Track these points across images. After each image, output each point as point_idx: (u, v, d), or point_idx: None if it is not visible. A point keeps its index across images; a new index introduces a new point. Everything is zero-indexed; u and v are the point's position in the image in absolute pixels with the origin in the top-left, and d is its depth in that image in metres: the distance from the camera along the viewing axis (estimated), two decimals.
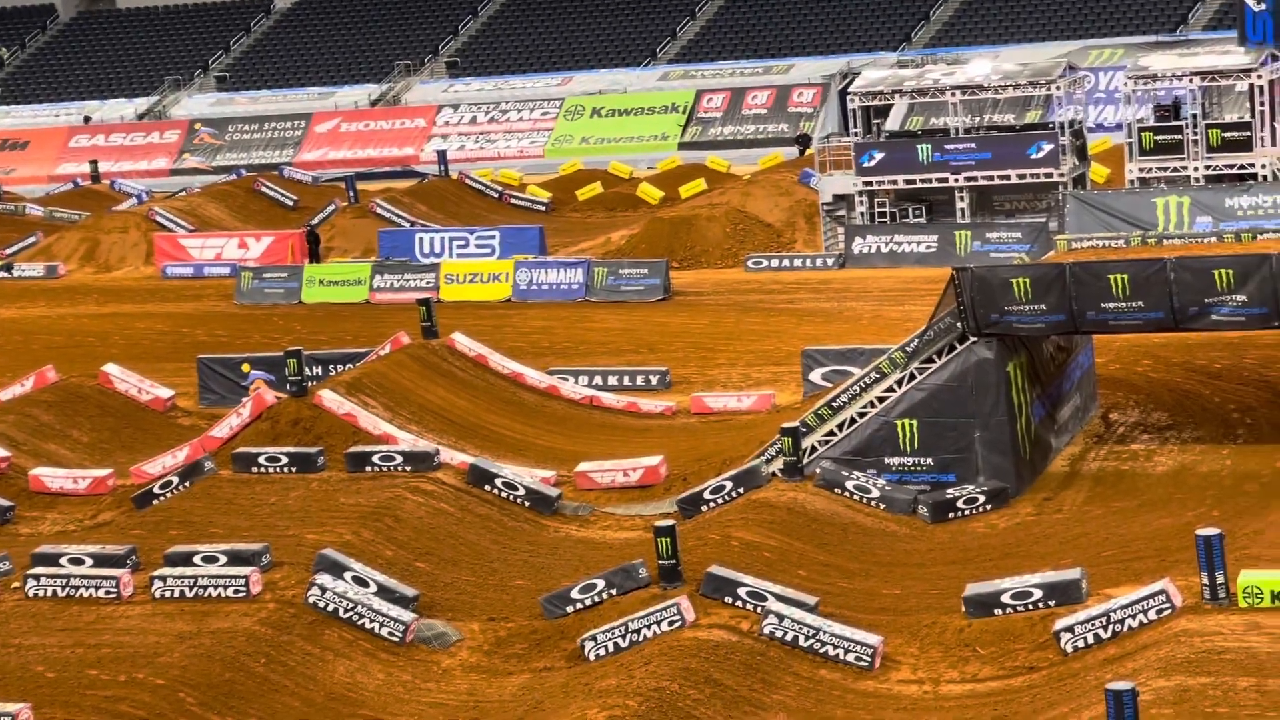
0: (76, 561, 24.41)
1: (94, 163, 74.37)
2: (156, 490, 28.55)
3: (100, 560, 24.49)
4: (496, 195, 61.72)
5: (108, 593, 23.59)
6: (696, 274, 48.21)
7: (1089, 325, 27.50)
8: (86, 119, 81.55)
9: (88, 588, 23.67)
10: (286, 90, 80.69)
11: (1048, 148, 46.33)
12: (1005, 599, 22.00)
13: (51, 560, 24.47)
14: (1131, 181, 44.64)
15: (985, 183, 47.12)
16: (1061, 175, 46.32)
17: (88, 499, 29.73)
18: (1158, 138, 44.33)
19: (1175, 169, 44.19)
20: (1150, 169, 44.32)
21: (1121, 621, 20.75)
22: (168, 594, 23.45)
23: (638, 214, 56.66)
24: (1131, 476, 28.04)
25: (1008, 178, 46.86)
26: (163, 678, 21.21)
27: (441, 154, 68.89)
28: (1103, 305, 26.88)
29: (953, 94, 47.69)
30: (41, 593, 23.71)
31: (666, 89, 74.53)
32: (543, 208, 60.81)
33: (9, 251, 57.00)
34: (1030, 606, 21.85)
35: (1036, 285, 27.01)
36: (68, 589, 23.68)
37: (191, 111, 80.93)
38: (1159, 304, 26.72)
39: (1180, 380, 31.06)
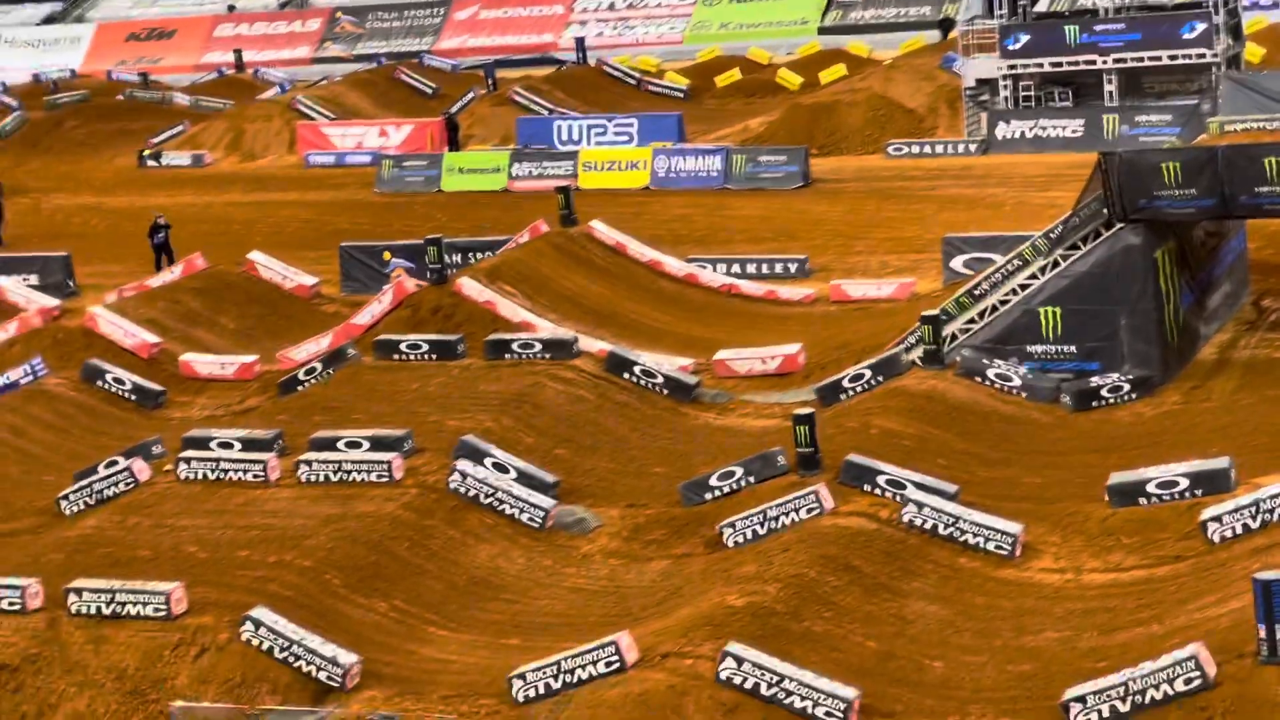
0: (225, 445, 24.86)
1: (238, 51, 74.99)
2: (301, 376, 28.95)
3: (248, 444, 24.93)
4: (634, 82, 61.44)
5: (255, 476, 24.02)
6: (836, 161, 47.77)
7: (1241, 210, 26.91)
8: (231, 7, 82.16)
9: (236, 471, 24.11)
10: None
11: (1201, 27, 45.19)
12: (1150, 488, 21.74)
13: (202, 444, 24.95)
14: None
15: (1135, 64, 46.12)
16: (1215, 55, 45.17)
17: (235, 384, 30.24)
18: None
19: None
20: None
21: (1271, 511, 20.41)
22: (313, 478, 23.83)
23: (777, 100, 56.15)
24: None
25: (1159, 59, 45.82)
26: (309, 559, 21.60)
27: (580, 40, 68.63)
28: (1256, 189, 26.27)
29: None
30: (192, 475, 24.19)
31: None
32: (681, 94, 60.44)
33: (156, 140, 57.76)
34: (1176, 496, 21.58)
35: (1187, 169, 26.45)
36: (217, 472, 24.14)
37: (332, 0, 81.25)
38: None
39: None
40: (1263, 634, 17.40)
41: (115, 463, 24.73)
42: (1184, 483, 21.69)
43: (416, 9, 78.76)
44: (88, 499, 24.11)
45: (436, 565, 22.07)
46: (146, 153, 56.17)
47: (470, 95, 58.58)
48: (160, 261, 37.72)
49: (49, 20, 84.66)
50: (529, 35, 75.34)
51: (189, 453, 24.58)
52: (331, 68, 72.27)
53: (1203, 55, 45.30)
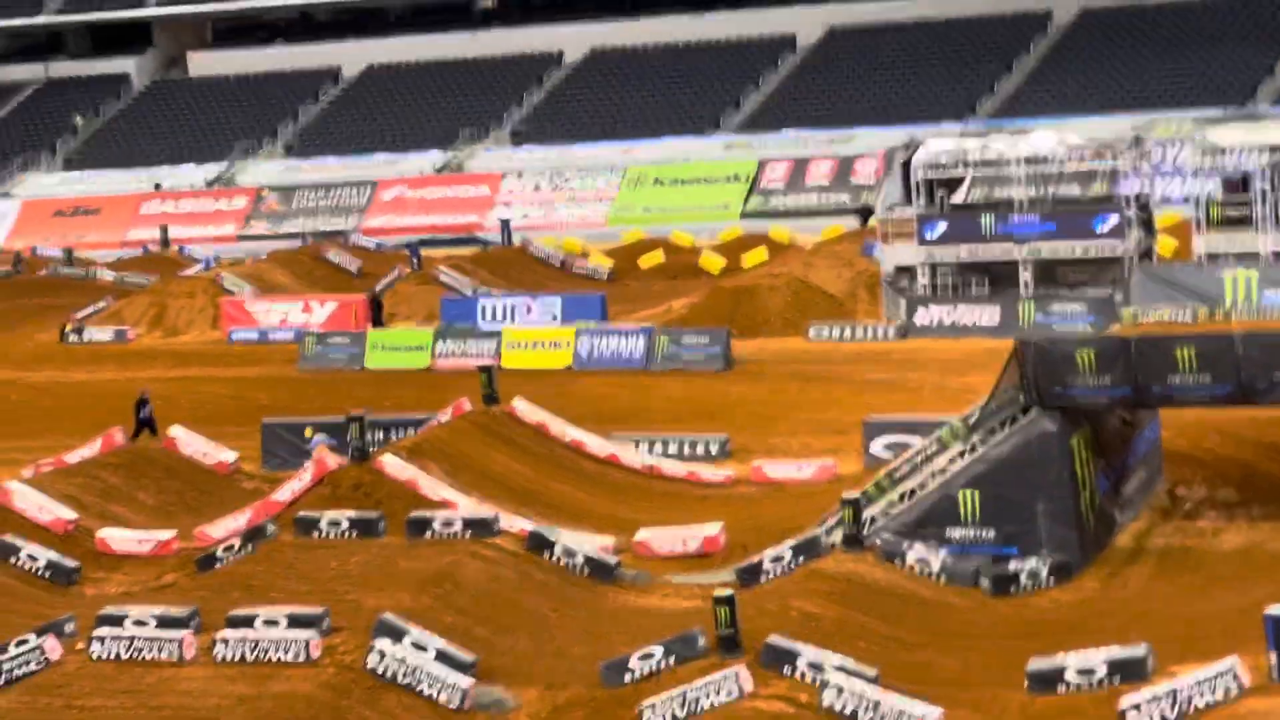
0: (140, 623, 24.53)
1: (164, 228, 75.21)
2: (219, 553, 28.69)
3: (164, 622, 24.60)
4: (559, 263, 61.99)
5: (170, 654, 23.69)
6: (758, 343, 48.20)
7: (1155, 399, 27.33)
8: (157, 186, 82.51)
9: (151, 649, 23.78)
10: (352, 157, 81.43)
11: (1113, 220, 46.20)
12: (1069, 675, 21.80)
13: (116, 621, 24.60)
14: (1199, 256, 44.42)
15: (1050, 255, 47.00)
16: (1127, 249, 46.12)
17: (153, 561, 29.90)
18: (1226, 212, 44.13)
19: (1243, 244, 43.92)
20: (1218, 244, 44.07)
21: (1189, 700, 20.51)
22: (229, 656, 23.53)
23: (699, 283, 56.77)
24: (1198, 553, 27.77)
25: (1073, 251, 46.73)
26: None
27: (505, 222, 69.30)
28: (1169, 379, 26.72)
29: (1017, 166, 47.65)
30: (106, 654, 23.83)
31: (729, 159, 74.79)
32: (605, 276, 61.02)
33: (79, 316, 57.62)
34: (1095, 683, 21.64)
35: (1101, 358, 26.89)
36: (131, 650, 23.80)
37: (259, 179, 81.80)
38: (1227, 378, 26.54)
39: (1249, 456, 30.78)
40: None
41: (26, 641, 24.32)
42: (1103, 670, 21.77)
43: (342, 188, 79.40)
44: None
45: None
46: (69, 328, 55.97)
47: (395, 274, 58.89)
48: (140, 435, 37.17)
49: None
50: (455, 215, 76.00)
51: (103, 630, 24.24)
52: (257, 245, 72.55)
53: (1115, 248, 46.24)
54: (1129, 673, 21.63)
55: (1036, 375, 26.99)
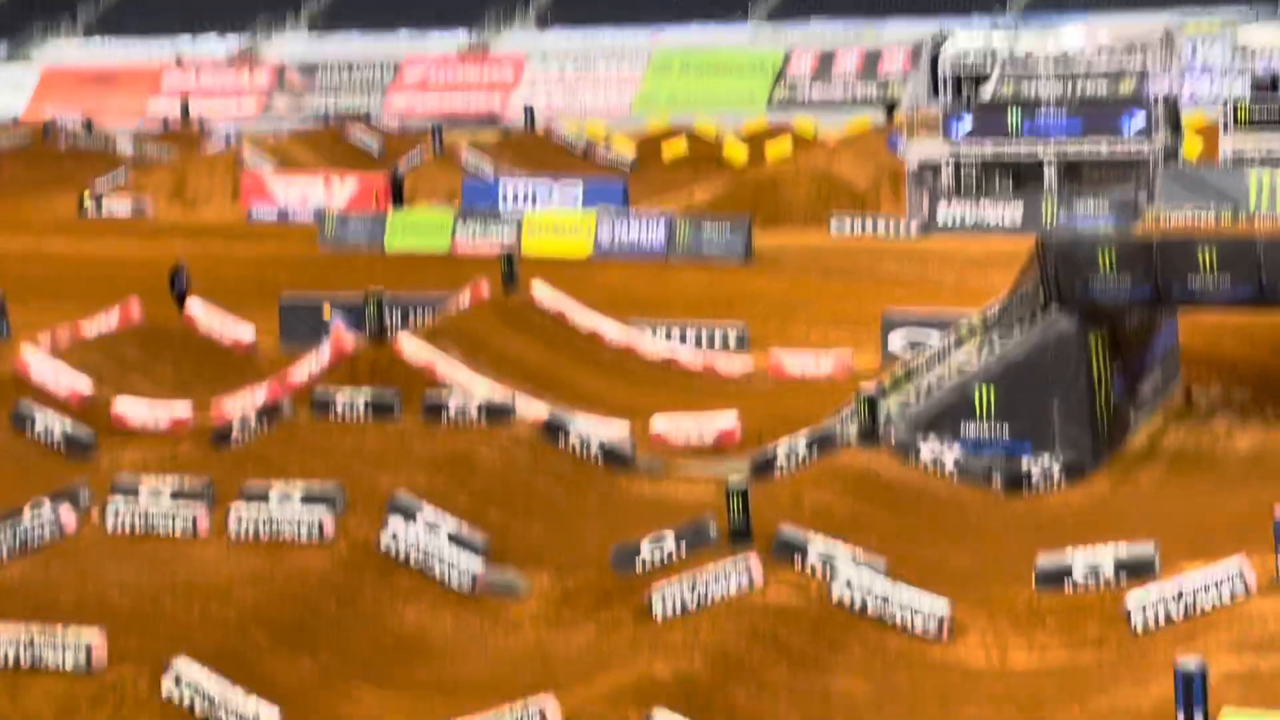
0: (155, 495, 24.67)
1: (184, 102, 74.90)
2: (235, 430, 28.81)
3: (178, 495, 24.75)
4: (581, 150, 61.70)
5: (184, 528, 23.84)
6: (779, 235, 48.06)
7: (1174, 299, 27.24)
8: (178, 60, 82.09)
9: (165, 522, 23.93)
10: (377, 34, 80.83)
11: (1141, 121, 45.82)
12: (1077, 572, 21.88)
13: (130, 493, 24.75)
14: (1225, 157, 44.10)
15: (1075, 154, 46.69)
16: (1153, 149, 45.77)
17: (168, 435, 30.05)
18: (1254, 113, 43.74)
19: (1270, 146, 43.57)
20: (1245, 145, 43.73)
21: (1194, 600, 20.59)
22: (243, 532, 23.68)
23: (722, 173, 56.50)
24: (1211, 454, 27.79)
25: (1099, 150, 46.40)
26: (235, 614, 21.43)
27: (529, 108, 68.90)
28: (1189, 280, 26.62)
29: (1045, 64, 47.21)
30: (119, 525, 23.99)
31: (756, 48, 74.19)
32: (627, 166, 60.73)
33: (98, 188, 57.55)
34: (1102, 581, 21.72)
35: (1122, 257, 26.77)
36: (145, 522, 23.95)
37: (283, 54, 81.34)
38: (1247, 279, 26.44)
39: (1265, 358, 30.72)
40: None
41: (41, 508, 24.49)
42: (1110, 568, 21.83)
43: (367, 67, 78.92)
44: (11, 544, 23.84)
45: (364, 624, 21.94)
46: (87, 199, 55.90)
47: (417, 155, 58.67)
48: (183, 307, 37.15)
49: None
50: (478, 99, 75.57)
51: (117, 501, 24.38)
52: (279, 122, 72.25)
53: (1141, 148, 45.90)
54: (1136, 571, 21.70)
55: (1057, 274, 26.89)
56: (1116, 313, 27.89)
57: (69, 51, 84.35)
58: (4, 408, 29.87)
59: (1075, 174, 47.42)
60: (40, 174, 60.31)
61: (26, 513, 24.41)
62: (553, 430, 28.05)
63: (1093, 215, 45.03)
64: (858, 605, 21.49)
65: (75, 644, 20.12)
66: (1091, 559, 21.99)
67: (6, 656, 20.25)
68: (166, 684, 19.55)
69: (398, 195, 53.66)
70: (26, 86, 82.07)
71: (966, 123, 47.40)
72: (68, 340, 34.11)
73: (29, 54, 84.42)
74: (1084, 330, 27.14)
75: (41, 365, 31.61)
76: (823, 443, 26.90)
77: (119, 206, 55.44)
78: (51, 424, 29.42)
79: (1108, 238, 27.89)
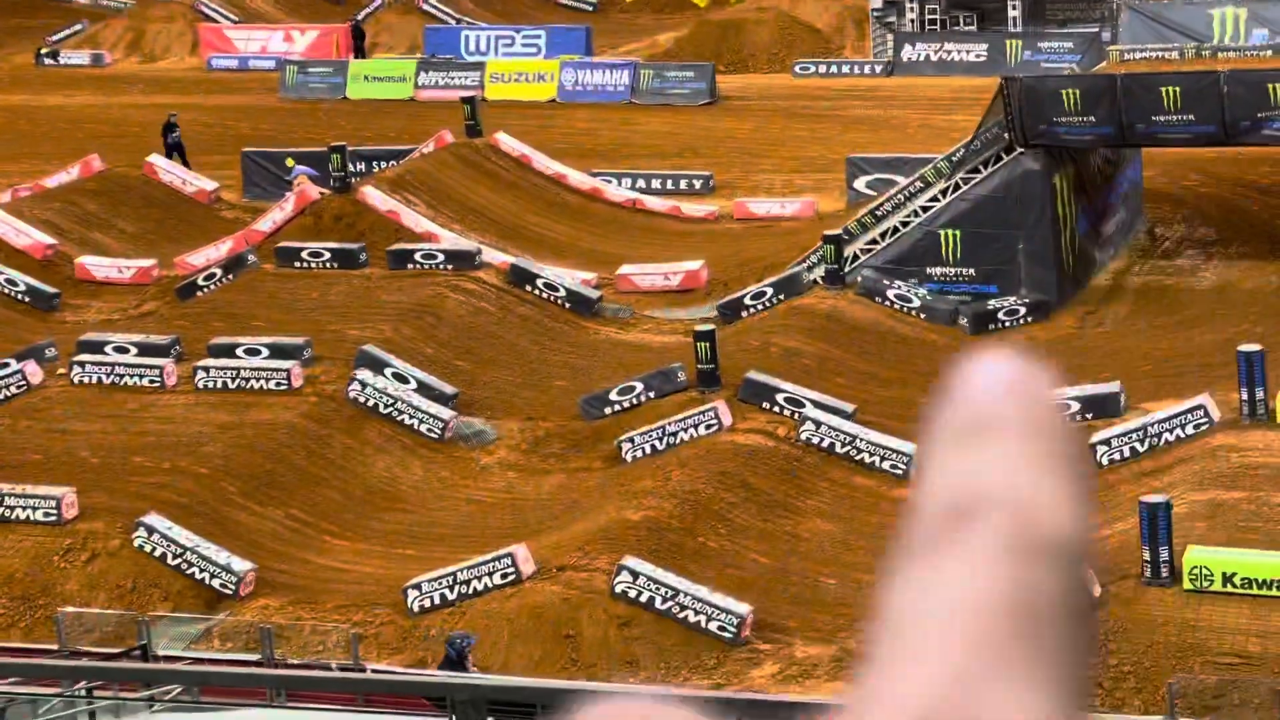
0: (121, 350, 24.63)
1: None
2: (200, 282, 28.70)
3: (145, 349, 24.71)
4: None
5: (152, 381, 23.83)
6: (743, 79, 47.71)
7: (1138, 138, 27.19)
8: None
9: (132, 376, 23.91)
10: None
11: None
12: None
13: (97, 348, 24.71)
14: None
15: None
16: None
17: (132, 288, 29.91)
18: None
19: None
20: None
21: (1159, 435, 20.79)
22: (210, 385, 23.69)
23: (685, 16, 55.96)
24: (1175, 291, 27.91)
25: None
26: (205, 466, 21.51)
27: None
28: (1153, 118, 26.54)
29: None
30: (87, 379, 23.96)
31: None
32: (590, 8, 60.09)
33: (55, 39, 56.75)
34: (1068, 419, 21.87)
35: (1086, 96, 26.66)
36: (112, 376, 23.93)
37: None
38: (1210, 117, 26.37)
39: (1228, 195, 30.76)
40: (1146, 556, 17.74)
41: (7, 365, 24.44)
42: (1075, 406, 22.01)
43: None
44: None
45: (334, 474, 22.04)
46: (44, 51, 55.14)
47: (377, 2, 57.94)
48: (172, 159, 36.88)
49: None
50: None
51: (83, 356, 24.34)
52: None
53: None
54: (1102, 409, 21.89)
55: (1021, 113, 26.79)
56: (1080, 152, 27.84)
57: None
58: None
59: (1039, 12, 47.09)
60: None
61: None
62: (519, 278, 28.00)
63: (1057, 54, 44.78)
64: (825, 446, 21.64)
65: (45, 497, 20.18)
66: (1056, 396, 22.11)
67: None
68: (138, 536, 19.65)
69: (359, 44, 53.04)
70: None
71: None
72: (29, 195, 33.82)
73: None
74: (1048, 170, 27.10)
75: (3, 220, 31.36)
76: (789, 286, 26.92)
77: (77, 59, 54.72)
78: (15, 279, 29.25)
79: (1071, 77, 27.74)
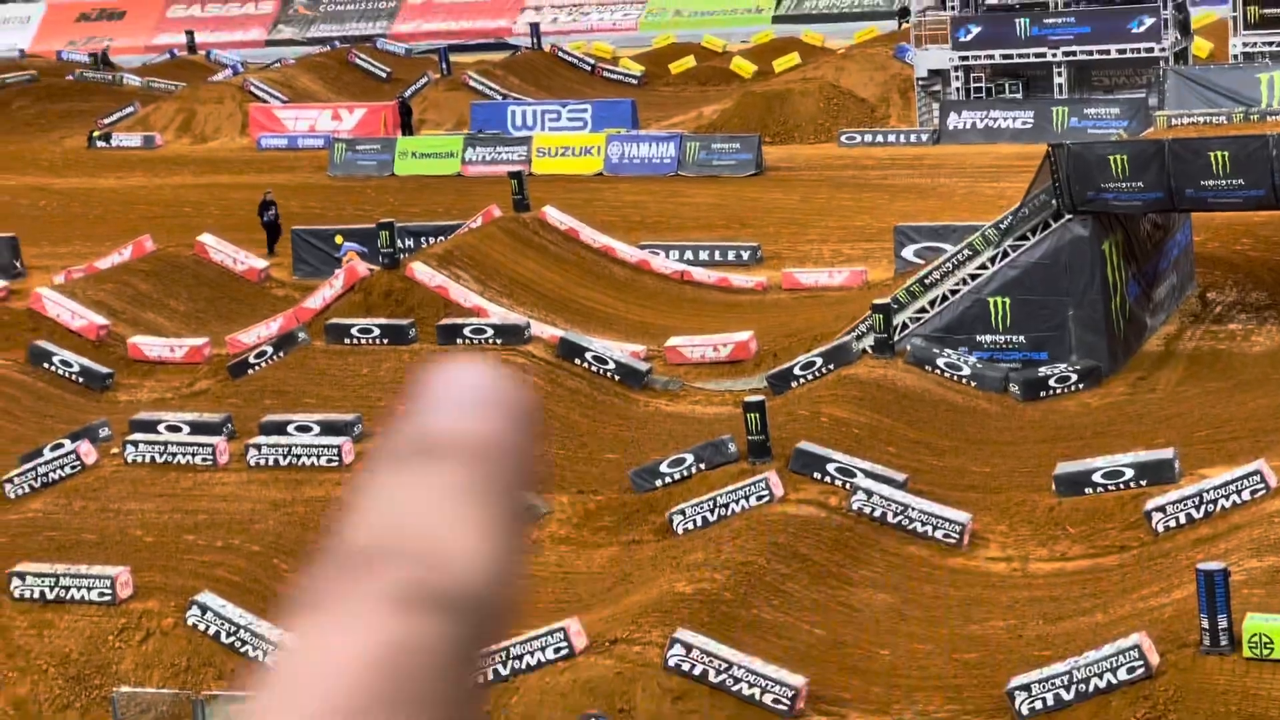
0: (174, 429, 24.75)
1: (190, 33, 74.57)
2: (251, 360, 28.85)
3: (197, 428, 24.83)
4: (589, 68, 61.40)
5: (204, 460, 23.93)
6: (789, 149, 47.85)
7: (1187, 203, 27.09)
8: None
9: (185, 454, 24.01)
10: None
11: (1149, 21, 45.45)
12: (1096, 478, 21.89)
13: (150, 427, 24.83)
14: (1235, 56, 43.75)
15: (1084, 58, 46.36)
16: (1163, 50, 45.45)
17: (184, 367, 30.10)
18: (1263, 11, 43.35)
19: None
20: (1255, 43, 43.38)
21: (1214, 502, 20.60)
22: (262, 462, 23.76)
23: (730, 88, 56.22)
24: (1228, 356, 27.74)
25: (1107, 52, 46.06)
26: (258, 544, 21.55)
27: (534, 26, 68.54)
28: (1202, 183, 26.46)
29: None
30: (140, 459, 24.07)
31: None
32: (635, 81, 60.44)
33: (107, 121, 57.41)
34: (1122, 486, 21.73)
35: (1134, 162, 26.60)
36: (165, 455, 24.04)
37: None
38: (1260, 182, 26.26)
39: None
40: (1205, 624, 17.55)
41: (61, 445, 24.59)
42: (1129, 473, 21.84)
43: None
44: (33, 482, 23.96)
45: None
46: (96, 134, 55.78)
47: (424, 79, 58.42)
48: (272, 240, 37.33)
49: None
50: (484, 20, 75.15)
51: (136, 436, 24.47)
52: (285, 50, 71.94)
53: (1150, 49, 45.57)
54: (1156, 476, 21.70)
55: (1069, 180, 26.74)
56: (1130, 218, 27.75)
57: None
58: (21, 345, 29.93)
59: (1084, 79, 47.11)
60: (48, 109, 60.15)
61: (47, 451, 24.52)
62: (568, 351, 28.05)
63: (1103, 120, 44.75)
64: (878, 516, 21.53)
65: (100, 577, 20.25)
66: (1111, 464, 22.00)
67: (32, 593, 20.39)
68: (192, 615, 19.68)
69: (406, 121, 53.47)
70: (32, 21, 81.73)
71: (974, 29, 47.05)
72: (82, 276, 34.14)
73: None
74: (1098, 236, 27.02)
75: (57, 302, 31.64)
76: (838, 355, 26.87)
77: (129, 140, 55.31)
78: (69, 360, 29.48)
79: (1119, 143, 27.69)
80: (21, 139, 57.36)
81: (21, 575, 20.54)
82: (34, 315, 31.30)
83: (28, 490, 23.86)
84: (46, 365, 29.37)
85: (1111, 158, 26.68)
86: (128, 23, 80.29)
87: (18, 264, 37.78)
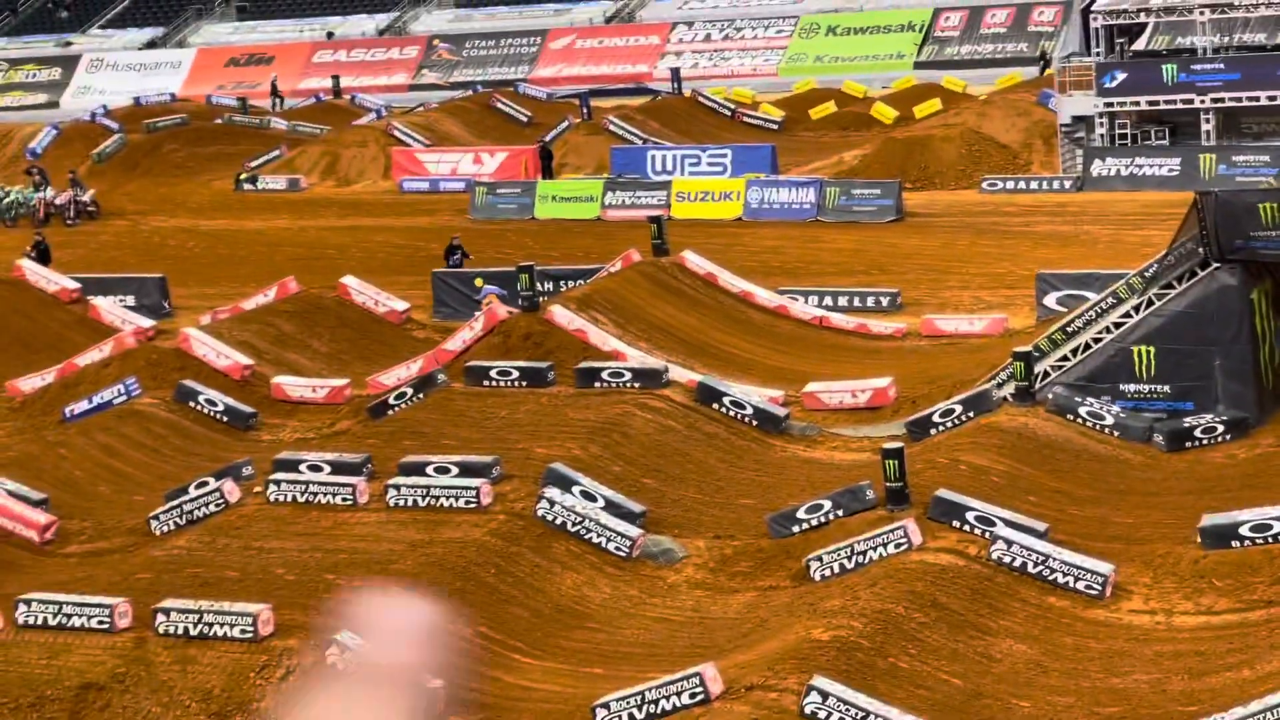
0: (315, 469, 25.03)
1: (336, 78, 75.71)
2: (391, 401, 29.12)
3: (338, 468, 25.09)
4: (729, 113, 61.51)
5: (344, 500, 24.17)
6: (930, 195, 47.60)
7: None
8: (329, 35, 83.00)
9: (325, 494, 24.27)
10: (523, 6, 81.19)
11: None
12: (1243, 530, 21.46)
13: (292, 466, 25.13)
14: None
15: (1233, 104, 45.70)
16: None
17: (326, 408, 30.47)
18: None
19: None
20: None
21: None
22: (401, 503, 23.95)
23: (871, 134, 56.06)
24: None
25: (1257, 99, 45.38)
26: (396, 584, 21.68)
27: (675, 71, 68.82)
28: None
29: (1201, 12, 46.23)
30: (282, 498, 24.37)
31: (903, 6, 73.46)
32: (775, 126, 60.45)
33: (253, 164, 58.41)
34: (1270, 539, 21.29)
35: None
36: (307, 495, 24.31)
37: (430, 28, 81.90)
38: None
39: None
40: None
41: (206, 483, 24.97)
42: (1277, 525, 21.39)
43: (513, 37, 79.25)
44: (178, 519, 24.35)
45: (522, 592, 22.10)
46: (243, 176, 56.77)
47: (565, 124, 58.86)
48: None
49: (150, 45, 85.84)
50: (624, 65, 75.59)
51: (279, 475, 24.77)
52: (427, 95, 72.82)
53: None
54: None
55: (1217, 228, 26.32)
56: (1279, 267, 27.26)
57: (222, 34, 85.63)
58: (169, 384, 30.45)
59: (1232, 126, 46.42)
60: (197, 152, 61.32)
61: (192, 488, 24.90)
62: (706, 396, 28.02)
63: (1252, 167, 44.05)
64: (1018, 566, 21.26)
65: (242, 614, 20.49)
66: (1259, 517, 21.56)
67: (176, 628, 20.68)
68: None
69: (547, 165, 53.86)
70: (183, 67, 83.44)
71: (1120, 75, 46.56)
72: (228, 317, 34.70)
73: (184, 38, 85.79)
74: (1246, 285, 26.56)
75: (203, 342, 32.18)
76: (978, 403, 26.61)
77: (274, 183, 56.23)
78: (214, 399, 29.95)
79: (1268, 190, 27.23)
80: (171, 181, 58.52)
81: (166, 611, 20.84)
82: (181, 354, 31.84)
83: (173, 527, 24.24)
84: (193, 404, 29.86)
85: (1261, 206, 26.24)
86: (275, 67, 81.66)
87: (166, 304, 38.49)
